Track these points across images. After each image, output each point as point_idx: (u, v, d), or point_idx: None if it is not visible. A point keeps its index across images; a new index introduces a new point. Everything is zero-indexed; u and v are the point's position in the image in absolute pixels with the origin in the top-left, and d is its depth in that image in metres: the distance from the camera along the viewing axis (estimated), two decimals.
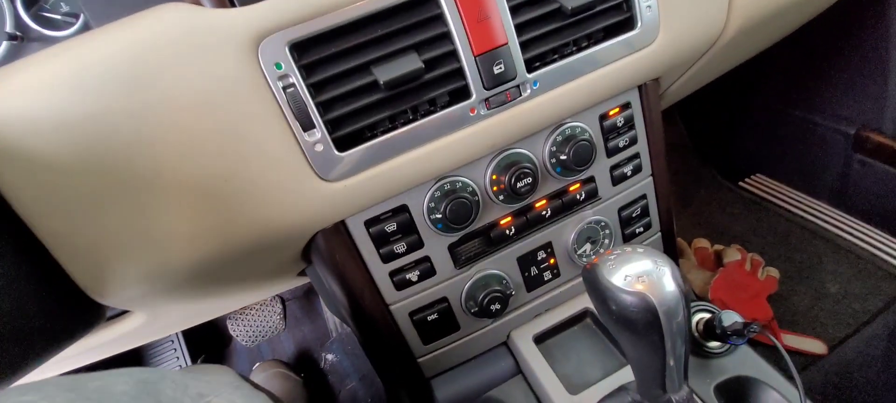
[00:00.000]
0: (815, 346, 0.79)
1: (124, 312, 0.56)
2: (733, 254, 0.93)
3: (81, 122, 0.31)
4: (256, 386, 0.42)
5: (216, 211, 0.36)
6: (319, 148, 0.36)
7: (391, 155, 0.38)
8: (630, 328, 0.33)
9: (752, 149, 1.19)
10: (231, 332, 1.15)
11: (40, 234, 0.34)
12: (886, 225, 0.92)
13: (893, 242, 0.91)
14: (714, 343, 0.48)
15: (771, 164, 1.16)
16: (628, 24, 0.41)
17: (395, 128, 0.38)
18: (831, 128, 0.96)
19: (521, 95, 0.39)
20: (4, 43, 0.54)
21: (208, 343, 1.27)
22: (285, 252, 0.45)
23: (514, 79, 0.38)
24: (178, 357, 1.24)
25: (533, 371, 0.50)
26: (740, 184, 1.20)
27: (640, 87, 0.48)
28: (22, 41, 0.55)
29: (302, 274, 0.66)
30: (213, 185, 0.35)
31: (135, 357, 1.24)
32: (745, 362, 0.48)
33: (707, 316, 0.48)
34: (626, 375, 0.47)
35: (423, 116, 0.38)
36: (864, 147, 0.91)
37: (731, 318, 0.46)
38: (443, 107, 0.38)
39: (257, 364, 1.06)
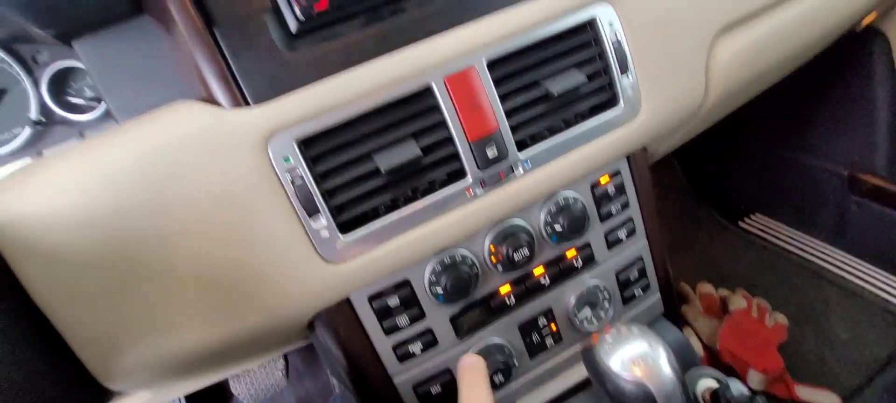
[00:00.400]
0: (829, 399, 0.77)
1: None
2: (739, 301, 0.92)
3: (102, 219, 0.34)
4: None
5: (226, 299, 0.37)
6: (325, 233, 0.38)
7: (393, 235, 0.40)
8: None
9: (750, 190, 1.20)
10: (233, 390, 1.13)
11: (56, 323, 0.35)
12: (889, 265, 0.92)
13: None
14: None
15: (769, 204, 1.17)
16: (611, 102, 0.44)
17: (396, 208, 0.40)
18: (824, 168, 0.98)
19: (513, 173, 0.42)
20: (28, 129, 0.58)
21: (208, 402, 1.24)
22: (291, 330, 0.46)
23: (506, 158, 0.41)
24: None
25: None
26: (740, 223, 1.21)
27: (628, 156, 0.50)
28: (45, 125, 0.58)
29: (305, 336, 0.67)
30: (224, 275, 0.36)
31: None
32: None
33: (715, 385, 0.48)
34: None
35: (423, 195, 0.40)
36: (860, 189, 0.92)
37: (738, 388, 0.45)
38: (441, 186, 0.41)
39: None
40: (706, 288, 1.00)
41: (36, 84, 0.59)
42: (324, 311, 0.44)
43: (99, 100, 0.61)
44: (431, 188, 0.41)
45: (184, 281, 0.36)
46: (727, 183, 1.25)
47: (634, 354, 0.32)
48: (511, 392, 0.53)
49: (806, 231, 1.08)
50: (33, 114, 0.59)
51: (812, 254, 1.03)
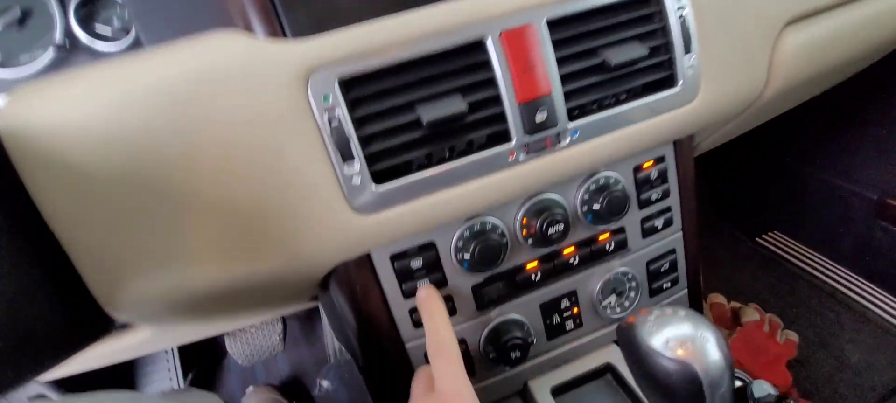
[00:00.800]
0: None
1: (125, 326, 0.54)
2: (752, 314, 0.90)
3: (124, 137, 0.31)
4: None
5: (246, 235, 0.35)
6: (357, 181, 0.36)
7: (425, 192, 0.38)
8: (669, 395, 0.31)
9: (772, 206, 1.18)
10: (228, 348, 1.12)
11: (65, 243, 0.33)
12: None
13: None
14: None
15: (790, 223, 1.15)
16: (669, 81, 0.42)
17: (432, 164, 0.38)
18: (854, 192, 0.95)
19: (559, 143, 0.39)
20: (51, 51, 0.56)
21: (202, 358, 1.24)
22: (307, 280, 0.44)
23: (555, 126, 0.38)
24: (169, 370, 1.21)
25: None
26: (757, 240, 1.18)
27: (675, 142, 0.48)
28: (69, 51, 0.56)
29: (313, 299, 0.65)
30: (247, 209, 0.34)
31: (125, 367, 1.21)
32: None
33: (738, 383, 0.46)
34: None
35: (461, 155, 0.38)
36: (887, 213, 0.89)
37: (763, 389, 0.44)
38: (480, 148, 0.38)
39: (250, 389, 1.03)
40: (718, 298, 0.98)
41: (64, 8, 0.57)
42: (341, 266, 0.43)
43: (127, 32, 0.59)
44: (470, 148, 0.38)
45: (205, 212, 0.34)
46: (749, 197, 1.22)
47: (681, 334, 0.30)
48: (524, 371, 0.52)
49: (825, 253, 1.06)
50: (58, 37, 0.57)
51: (828, 276, 1.01)
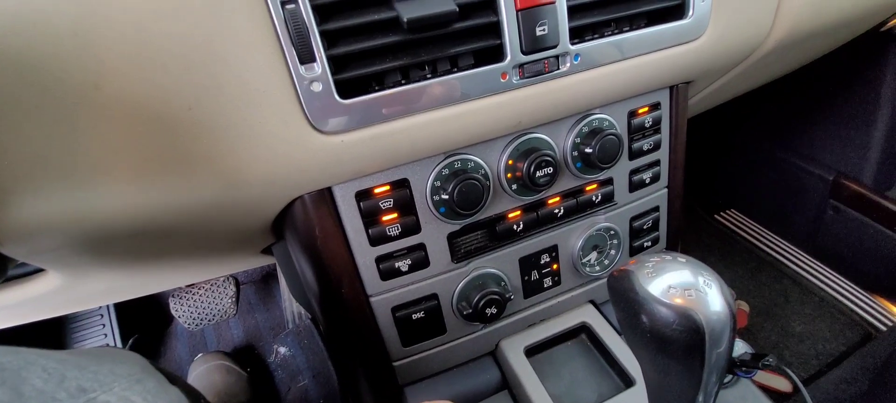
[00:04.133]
0: (781, 384, 0.80)
1: (38, 271, 0.45)
2: None
3: (10, 7, 0.23)
4: (173, 378, 0.34)
5: (170, 147, 0.28)
6: (317, 87, 0.29)
7: (400, 113, 0.32)
8: (665, 348, 0.28)
9: (730, 185, 1.22)
10: (173, 311, 1.01)
11: None
12: (852, 272, 0.96)
13: (857, 290, 0.94)
14: None
15: (746, 202, 1.19)
16: (679, 11, 0.37)
17: (408, 81, 0.31)
18: (811, 171, 0.99)
19: (559, 68, 0.34)
20: None
21: (145, 322, 1.12)
22: (253, 218, 0.37)
23: (555, 47, 0.33)
24: (106, 335, 1.09)
25: (522, 386, 0.45)
26: (715, 216, 1.23)
27: (671, 89, 0.44)
28: None
29: (266, 251, 0.58)
30: (171, 113, 0.27)
31: (53, 329, 1.07)
32: (746, 397, 0.45)
33: None
34: (623, 401, 0.43)
35: (443, 72, 0.32)
36: (841, 194, 0.94)
37: (739, 348, 0.43)
38: (468, 68, 0.32)
39: (198, 356, 0.94)
40: None
41: None
42: (297, 203, 0.36)
43: None
44: (454, 66, 0.32)
45: (114, 108, 0.26)
46: (711, 175, 1.25)
47: (682, 281, 0.26)
48: (496, 330, 0.48)
49: (777, 232, 1.11)
50: None
51: (778, 253, 1.06)
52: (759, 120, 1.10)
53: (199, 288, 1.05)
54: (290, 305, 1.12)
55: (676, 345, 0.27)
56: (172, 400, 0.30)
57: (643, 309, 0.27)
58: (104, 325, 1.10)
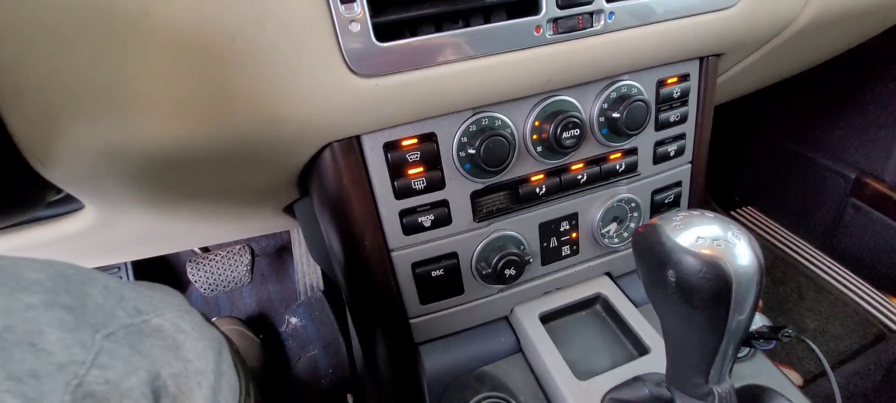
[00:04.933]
0: (791, 377, 0.79)
1: (71, 212, 0.46)
2: None
3: None
4: (208, 319, 0.35)
5: (213, 79, 0.28)
6: (355, 28, 0.29)
7: (434, 60, 0.32)
8: (690, 299, 0.28)
9: (749, 181, 1.20)
10: (190, 276, 1.04)
11: None
12: (868, 272, 0.94)
13: (872, 290, 0.93)
14: None
15: (765, 200, 1.18)
16: None
17: (442, 29, 0.32)
18: (832, 169, 0.97)
19: (592, 26, 0.34)
20: None
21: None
22: (284, 163, 0.38)
23: (590, 3, 0.33)
24: None
25: (537, 351, 0.45)
26: (732, 213, 1.21)
27: (701, 62, 0.44)
28: None
29: (288, 211, 0.59)
30: (216, 44, 0.27)
31: None
32: (761, 371, 0.45)
33: None
34: (637, 368, 0.43)
35: (479, 21, 0.32)
36: (862, 192, 0.92)
37: (757, 321, 0.43)
38: (499, 19, 0.33)
39: (214, 319, 0.96)
40: None
41: None
42: (328, 152, 0.37)
43: None
44: (487, 17, 0.33)
45: (162, 38, 0.27)
46: (730, 170, 1.24)
47: (711, 233, 0.27)
48: (511, 296, 0.49)
49: (794, 230, 1.10)
50: None
51: (795, 251, 1.05)
52: (781, 116, 1.08)
53: (215, 254, 1.07)
54: (303, 278, 1.14)
55: (702, 295, 0.27)
56: (214, 335, 0.31)
57: (670, 258, 0.28)
58: None
